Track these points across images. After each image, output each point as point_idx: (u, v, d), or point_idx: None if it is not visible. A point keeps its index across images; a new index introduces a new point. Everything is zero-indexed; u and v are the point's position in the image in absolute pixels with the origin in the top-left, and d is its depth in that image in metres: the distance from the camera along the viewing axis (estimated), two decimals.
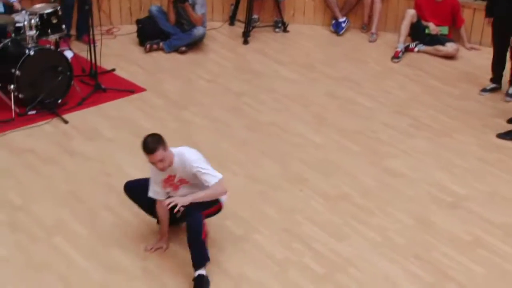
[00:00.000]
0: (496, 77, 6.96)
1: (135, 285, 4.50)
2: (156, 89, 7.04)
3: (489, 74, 7.03)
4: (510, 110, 6.67)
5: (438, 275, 4.67)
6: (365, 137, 6.30)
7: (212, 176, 4.49)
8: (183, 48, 7.82)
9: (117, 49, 7.81)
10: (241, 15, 8.41)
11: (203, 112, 6.70)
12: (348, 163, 5.91)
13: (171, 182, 4.56)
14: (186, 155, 4.49)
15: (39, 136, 6.12)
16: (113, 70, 7.34)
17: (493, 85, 6.98)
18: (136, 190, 4.73)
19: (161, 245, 4.80)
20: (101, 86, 6.85)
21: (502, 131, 6.26)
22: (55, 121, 6.34)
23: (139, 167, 5.29)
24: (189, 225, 4.45)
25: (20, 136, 6.10)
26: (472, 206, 5.35)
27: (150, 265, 4.66)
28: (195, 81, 7.32)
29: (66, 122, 6.32)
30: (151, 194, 4.64)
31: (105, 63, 7.22)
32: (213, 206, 4.63)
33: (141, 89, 7.01)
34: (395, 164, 5.89)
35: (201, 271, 4.46)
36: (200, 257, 4.47)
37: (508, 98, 6.82)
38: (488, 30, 7.05)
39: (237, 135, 6.33)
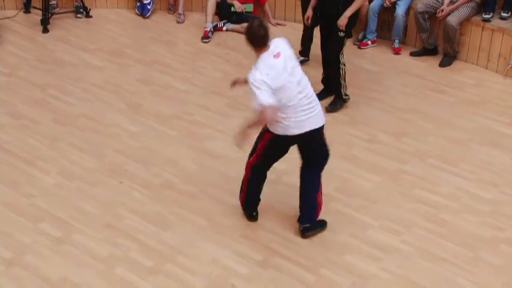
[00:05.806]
0: (305, 50, 7.18)
1: None
2: None
3: (297, 47, 7.21)
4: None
5: (266, 252, 4.71)
6: (182, 121, 6.19)
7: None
8: None
9: None
10: (37, 1, 7.86)
11: (4, 109, 6.22)
12: (167, 149, 5.78)
13: None
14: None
15: None
16: None
17: (302, 58, 7.19)
18: None
19: None
20: None
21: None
22: None
23: None
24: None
25: None
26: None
27: None
28: None
29: None
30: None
31: None
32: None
33: None
34: (215, 146, 5.84)
35: None
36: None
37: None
38: (290, 6, 7.23)
39: (46, 131, 5.94)
